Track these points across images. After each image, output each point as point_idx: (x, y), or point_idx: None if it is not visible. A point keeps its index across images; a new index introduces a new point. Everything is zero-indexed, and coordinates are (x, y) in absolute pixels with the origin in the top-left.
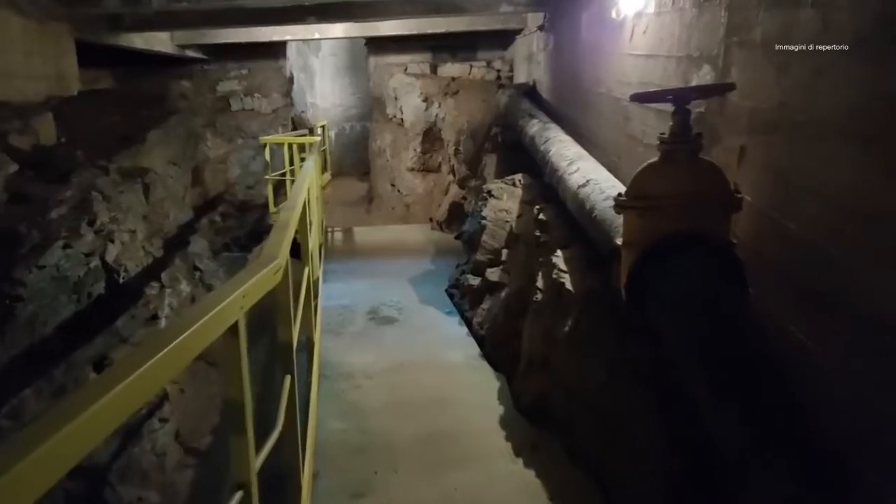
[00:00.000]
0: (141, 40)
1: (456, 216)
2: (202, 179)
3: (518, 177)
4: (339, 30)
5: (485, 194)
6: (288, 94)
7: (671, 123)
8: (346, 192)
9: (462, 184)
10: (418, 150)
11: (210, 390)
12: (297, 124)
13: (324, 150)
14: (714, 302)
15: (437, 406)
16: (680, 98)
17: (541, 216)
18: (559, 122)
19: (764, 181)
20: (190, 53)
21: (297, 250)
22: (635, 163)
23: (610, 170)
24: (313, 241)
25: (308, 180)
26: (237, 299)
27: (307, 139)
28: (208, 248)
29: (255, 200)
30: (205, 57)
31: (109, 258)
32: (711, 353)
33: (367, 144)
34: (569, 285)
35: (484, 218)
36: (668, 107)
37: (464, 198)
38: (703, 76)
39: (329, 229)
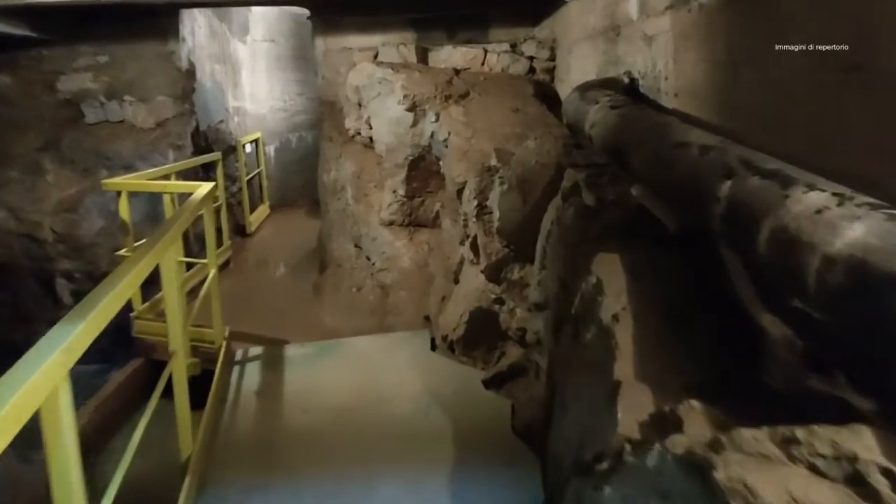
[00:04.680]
0: None
1: (484, 335)
2: None
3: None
4: None
5: None
6: (186, 95)
7: None
8: (287, 238)
9: (495, 272)
10: (401, 192)
11: None
12: (212, 141)
13: (258, 174)
14: None
15: None
16: None
17: None
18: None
19: None
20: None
21: None
22: None
23: None
24: None
25: None
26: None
27: (192, 187)
28: None
29: None
30: (33, 34)
31: None
32: None
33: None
34: None
35: None
36: None
37: (499, 301)
38: None
39: (236, 353)
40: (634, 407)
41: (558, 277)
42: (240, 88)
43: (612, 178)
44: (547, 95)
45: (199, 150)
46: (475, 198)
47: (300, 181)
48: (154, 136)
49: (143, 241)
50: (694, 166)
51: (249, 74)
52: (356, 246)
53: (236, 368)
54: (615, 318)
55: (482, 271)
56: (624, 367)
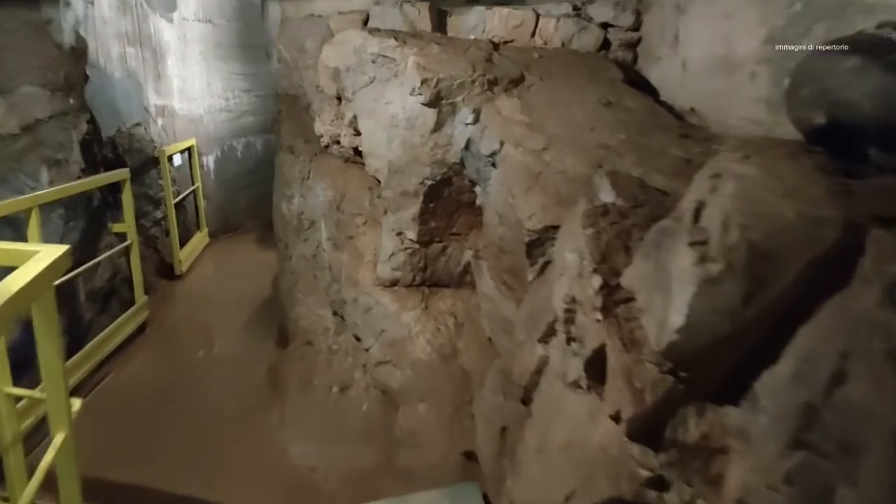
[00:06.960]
0: None
1: None
2: None
3: None
4: None
5: None
6: (72, 85)
7: None
8: (232, 281)
9: (653, 427)
10: (411, 234)
11: None
12: (124, 151)
13: (193, 192)
14: None
15: None
16: None
17: None
18: None
19: None
20: None
21: None
22: None
23: None
24: None
25: None
26: None
27: (19, 255)
28: None
29: None
30: None
31: None
32: None
33: (280, 182)
34: None
35: None
36: None
37: (656, 482)
38: None
39: None
40: None
41: None
42: (165, 81)
43: None
44: (633, 81)
45: (97, 165)
46: (594, 271)
47: (248, 199)
48: (18, 146)
49: None
50: None
51: (179, 64)
52: (335, 314)
53: None
54: None
55: (619, 419)
56: None
